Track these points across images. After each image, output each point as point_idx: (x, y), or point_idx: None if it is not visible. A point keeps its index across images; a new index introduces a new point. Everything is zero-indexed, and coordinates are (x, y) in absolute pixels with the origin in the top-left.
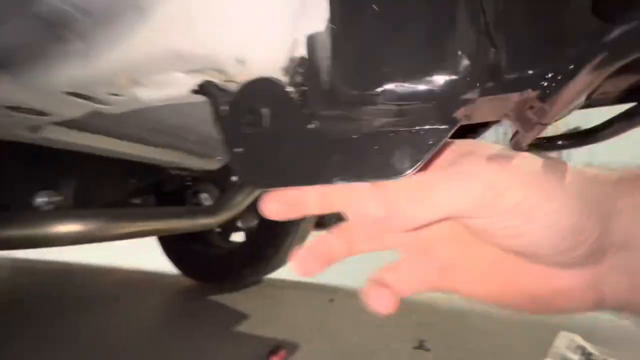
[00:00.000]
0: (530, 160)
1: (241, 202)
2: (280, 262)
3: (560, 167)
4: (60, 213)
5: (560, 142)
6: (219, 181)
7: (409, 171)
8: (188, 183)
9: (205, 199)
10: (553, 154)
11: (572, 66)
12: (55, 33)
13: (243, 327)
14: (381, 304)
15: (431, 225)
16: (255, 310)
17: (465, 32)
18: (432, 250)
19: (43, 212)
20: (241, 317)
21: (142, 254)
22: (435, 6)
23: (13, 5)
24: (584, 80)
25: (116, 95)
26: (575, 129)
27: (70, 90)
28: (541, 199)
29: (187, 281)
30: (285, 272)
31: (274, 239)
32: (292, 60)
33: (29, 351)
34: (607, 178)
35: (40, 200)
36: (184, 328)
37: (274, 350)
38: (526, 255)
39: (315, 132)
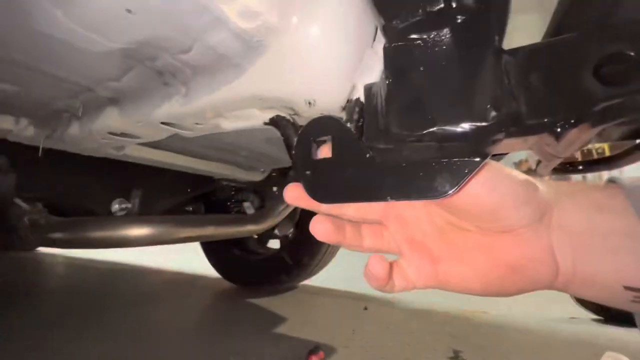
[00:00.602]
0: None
1: (282, 211)
2: (315, 270)
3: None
4: (134, 218)
5: (580, 167)
6: (260, 191)
7: (449, 192)
8: (232, 192)
9: (248, 207)
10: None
11: (574, 120)
12: (163, 80)
13: (281, 329)
14: (379, 268)
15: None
16: (292, 314)
17: (492, 90)
18: (423, 247)
19: (121, 218)
20: (279, 319)
21: (186, 258)
22: (469, 69)
23: (139, 61)
24: (583, 130)
25: (200, 124)
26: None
27: (165, 121)
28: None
29: (227, 284)
30: (321, 279)
31: (308, 247)
32: (349, 101)
33: (71, 343)
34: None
35: (116, 206)
36: (224, 327)
37: (313, 350)
38: (498, 214)
39: (371, 160)
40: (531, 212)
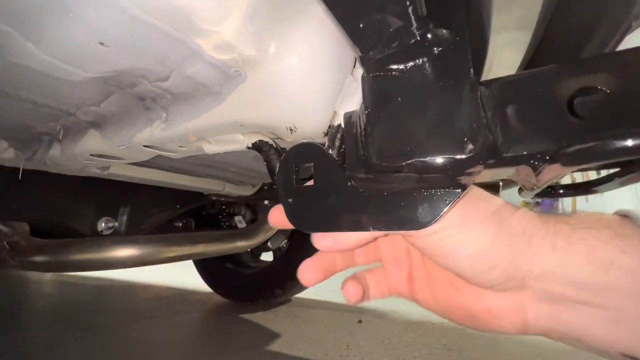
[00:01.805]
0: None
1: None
2: None
3: (490, 205)
4: (120, 239)
5: (562, 191)
6: (252, 204)
7: (430, 224)
8: (223, 207)
9: (239, 221)
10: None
11: (548, 157)
12: (145, 104)
13: (275, 346)
14: (353, 293)
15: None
16: (286, 329)
17: (469, 123)
18: (402, 263)
19: (107, 239)
20: (273, 335)
21: (177, 272)
22: (445, 101)
23: (118, 87)
24: (556, 169)
25: (183, 147)
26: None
27: (147, 145)
28: (459, 231)
29: (219, 299)
30: (315, 292)
31: (302, 259)
32: (331, 127)
33: None
34: (533, 218)
35: (102, 225)
36: (216, 344)
37: None
38: (456, 272)
39: (353, 189)
40: (492, 278)
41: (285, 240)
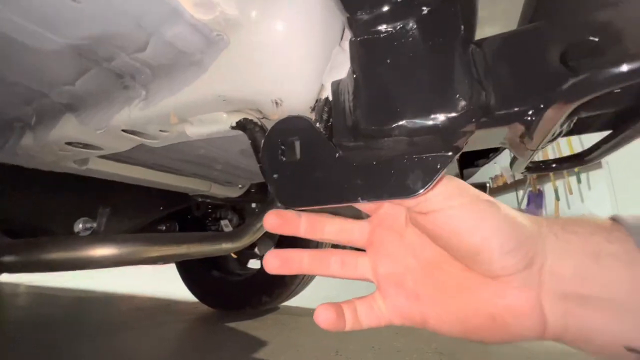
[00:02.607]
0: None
1: (261, 228)
2: (297, 290)
3: (489, 198)
4: (98, 237)
5: (554, 165)
6: (240, 208)
7: (421, 190)
8: (209, 210)
9: (226, 225)
10: None
11: (542, 106)
12: (123, 83)
13: (263, 354)
14: (323, 318)
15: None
16: (273, 338)
17: (461, 80)
18: (404, 283)
19: (83, 237)
20: (260, 344)
21: (161, 281)
22: (436, 60)
23: (94, 62)
24: (552, 116)
25: (165, 131)
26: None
27: (126, 128)
28: (467, 209)
29: (205, 308)
30: (303, 300)
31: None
32: (318, 101)
33: None
34: (533, 216)
35: (79, 226)
36: (202, 355)
37: None
38: (480, 252)
39: (341, 160)
40: (517, 261)
41: (273, 247)
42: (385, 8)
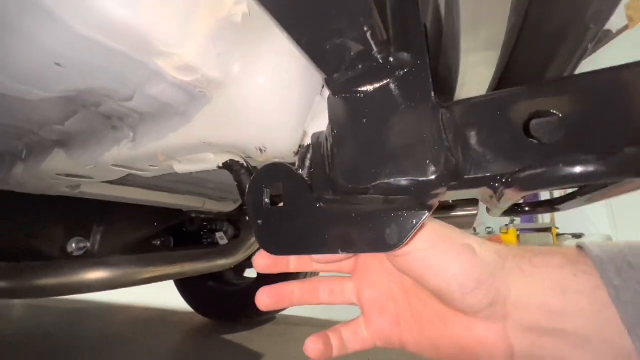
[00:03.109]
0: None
1: (255, 242)
2: None
3: (461, 237)
4: (91, 261)
5: (527, 209)
6: (234, 220)
7: (397, 246)
8: (204, 223)
9: (221, 237)
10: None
11: (504, 180)
12: (111, 123)
13: None
14: (311, 348)
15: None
16: (270, 349)
17: (431, 146)
18: (386, 307)
19: (75, 262)
20: (255, 355)
21: (156, 292)
22: (408, 124)
23: (82, 106)
24: (512, 195)
25: (154, 166)
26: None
27: (116, 164)
28: (436, 254)
29: (200, 319)
30: (300, 309)
31: (286, 275)
32: (302, 147)
33: None
34: (499, 246)
35: (73, 246)
36: None
37: None
38: (445, 293)
39: (322, 210)
40: (479, 300)
41: None
42: (361, 71)
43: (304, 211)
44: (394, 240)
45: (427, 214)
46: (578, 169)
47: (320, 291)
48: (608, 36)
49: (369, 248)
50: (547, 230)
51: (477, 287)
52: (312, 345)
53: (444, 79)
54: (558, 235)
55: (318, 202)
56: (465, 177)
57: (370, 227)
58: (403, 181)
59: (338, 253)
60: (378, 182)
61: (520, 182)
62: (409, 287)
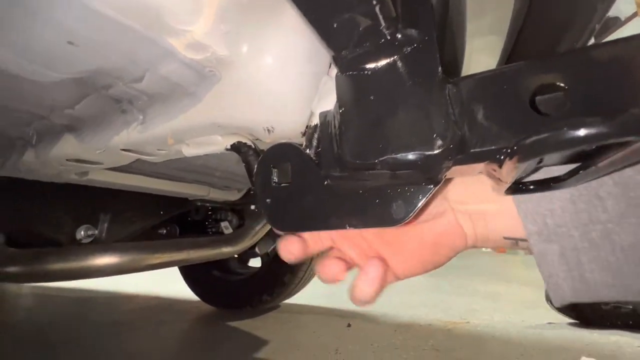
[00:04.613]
0: None
1: (260, 230)
2: (298, 288)
3: None
4: (100, 247)
5: (532, 187)
6: (238, 210)
7: (403, 220)
8: (209, 212)
9: (226, 227)
10: None
11: (510, 150)
12: (121, 107)
13: (264, 353)
14: (333, 271)
15: None
16: (274, 336)
17: (438, 120)
18: (374, 252)
19: (85, 247)
20: (261, 343)
21: (163, 281)
22: (415, 99)
23: (93, 89)
24: (516, 163)
25: (162, 150)
26: None
27: (125, 148)
28: None
29: (207, 307)
30: (304, 297)
31: (290, 264)
32: (309, 127)
33: None
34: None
35: (81, 234)
36: (203, 354)
37: None
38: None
39: (329, 187)
40: (436, 205)
41: (274, 246)
42: (369, 47)
43: (312, 189)
44: (400, 214)
45: (434, 188)
46: (582, 132)
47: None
48: (616, 23)
49: (376, 223)
50: None
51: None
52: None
53: (451, 58)
54: None
55: (326, 179)
56: (472, 150)
57: (378, 203)
58: (410, 155)
59: (346, 228)
60: (385, 157)
61: (524, 149)
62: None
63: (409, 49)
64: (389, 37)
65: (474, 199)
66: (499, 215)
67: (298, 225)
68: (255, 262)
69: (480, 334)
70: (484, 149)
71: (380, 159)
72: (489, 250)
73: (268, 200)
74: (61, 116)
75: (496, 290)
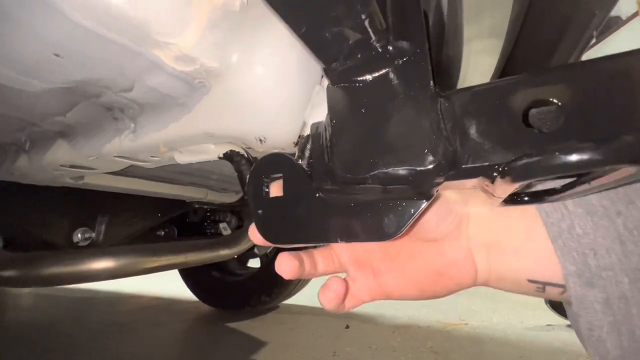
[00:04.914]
0: None
1: None
2: (297, 288)
3: None
4: (97, 251)
5: (526, 199)
6: (237, 211)
7: (395, 235)
8: (208, 213)
9: (224, 228)
10: None
11: (501, 169)
12: (112, 114)
13: (262, 355)
14: (338, 286)
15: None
16: (273, 337)
17: (429, 136)
18: (368, 263)
19: (82, 251)
20: (259, 343)
21: (163, 282)
22: (407, 113)
23: (83, 97)
24: (506, 185)
25: (155, 157)
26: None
27: (118, 155)
28: None
29: (205, 308)
30: (302, 298)
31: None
32: (301, 137)
33: None
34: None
35: (78, 237)
36: (200, 355)
37: None
38: (420, 230)
39: (321, 200)
40: (448, 225)
41: (272, 246)
42: (359, 60)
43: (304, 201)
44: (391, 229)
45: (426, 203)
46: (574, 157)
47: (317, 262)
48: (617, 23)
49: (368, 237)
50: None
51: (447, 216)
52: (286, 262)
53: (446, 69)
54: None
55: (318, 192)
56: (463, 166)
57: (369, 217)
58: (401, 171)
59: (337, 242)
60: (376, 171)
61: (516, 171)
62: (388, 247)
63: (400, 61)
64: (380, 50)
65: (495, 229)
66: (524, 251)
67: (289, 237)
68: (254, 263)
69: (479, 336)
70: (476, 165)
71: (371, 173)
72: None
73: (260, 211)
74: (53, 123)
75: (495, 290)
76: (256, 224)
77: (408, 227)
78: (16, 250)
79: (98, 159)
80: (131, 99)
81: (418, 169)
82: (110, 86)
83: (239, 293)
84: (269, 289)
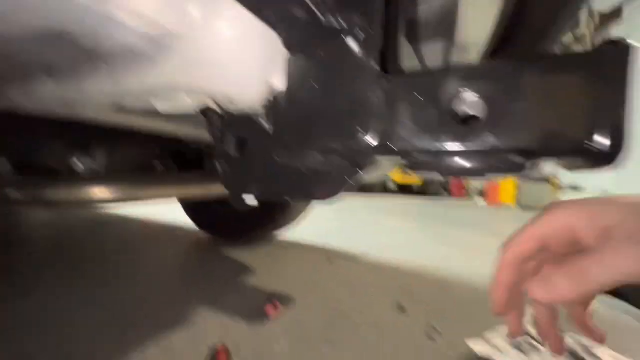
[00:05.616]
0: None
1: None
2: (287, 221)
3: None
4: (97, 180)
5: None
6: None
7: (330, 197)
8: (207, 149)
9: None
10: None
11: (414, 156)
12: (87, 55)
13: (248, 279)
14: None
15: None
16: (261, 266)
17: (366, 114)
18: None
19: (84, 177)
20: (248, 270)
21: (170, 210)
22: (351, 91)
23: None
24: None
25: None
26: None
27: (102, 97)
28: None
29: (204, 236)
30: (295, 234)
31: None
32: (269, 101)
33: (52, 296)
34: None
35: (78, 164)
36: (194, 276)
37: (269, 299)
38: None
39: (277, 163)
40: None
41: None
42: (312, 35)
43: (264, 162)
44: (329, 192)
45: (360, 172)
46: (456, 164)
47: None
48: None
49: (309, 197)
50: (546, 181)
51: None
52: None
53: (391, 56)
54: (558, 187)
55: (276, 154)
56: (391, 146)
57: (313, 181)
58: (335, 144)
59: (283, 199)
60: (317, 142)
61: (416, 164)
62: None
63: (349, 38)
64: (330, 25)
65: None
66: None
67: (249, 189)
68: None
69: (446, 279)
70: (402, 148)
71: (314, 143)
72: (484, 204)
73: (226, 168)
74: (33, 61)
75: (487, 241)
76: (221, 176)
77: (342, 190)
78: (24, 175)
79: (83, 99)
80: (102, 47)
81: (353, 144)
82: (75, 39)
83: (236, 224)
84: (262, 219)
